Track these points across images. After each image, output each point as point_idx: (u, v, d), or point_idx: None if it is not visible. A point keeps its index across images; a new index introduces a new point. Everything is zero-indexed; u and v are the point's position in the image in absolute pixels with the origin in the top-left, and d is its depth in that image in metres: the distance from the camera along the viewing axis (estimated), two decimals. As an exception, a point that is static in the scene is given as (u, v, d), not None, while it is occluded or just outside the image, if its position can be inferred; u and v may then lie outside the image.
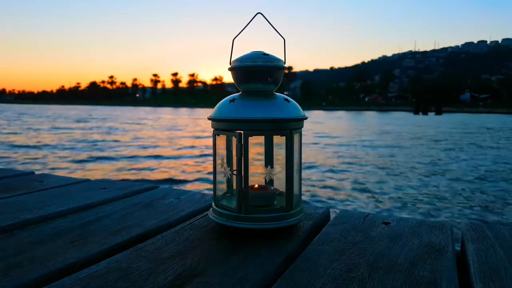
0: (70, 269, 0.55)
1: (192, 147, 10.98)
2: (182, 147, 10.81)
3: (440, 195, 5.53)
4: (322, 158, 8.90)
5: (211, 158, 0.72)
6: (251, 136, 0.66)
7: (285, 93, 0.74)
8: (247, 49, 0.70)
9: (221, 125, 0.68)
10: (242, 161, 0.65)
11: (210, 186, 0.74)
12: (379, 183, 6.28)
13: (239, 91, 0.72)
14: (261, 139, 0.76)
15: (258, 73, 0.68)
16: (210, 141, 0.76)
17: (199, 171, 7.10)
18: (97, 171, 7.01)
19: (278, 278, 0.52)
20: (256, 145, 0.72)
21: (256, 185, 0.74)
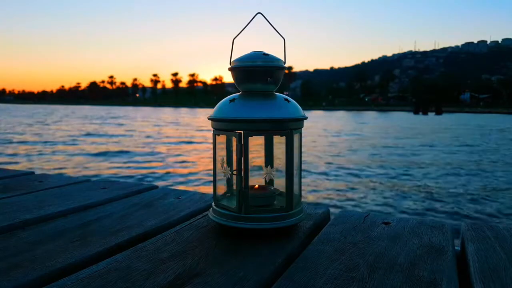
0: (70, 269, 0.55)
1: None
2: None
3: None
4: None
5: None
6: (251, 136, 0.65)
7: (285, 93, 0.74)
8: (247, 49, 0.70)
9: (221, 125, 0.68)
10: (242, 161, 0.65)
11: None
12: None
13: (239, 91, 0.72)
14: (261, 139, 0.76)
15: (258, 73, 0.68)
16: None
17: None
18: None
19: (278, 278, 0.52)
20: (256, 145, 0.72)
21: (256, 185, 0.74)
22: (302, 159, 0.73)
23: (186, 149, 10.43)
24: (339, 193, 5.62)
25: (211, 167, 0.73)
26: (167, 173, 7.00)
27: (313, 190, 5.79)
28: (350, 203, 5.04)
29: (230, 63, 0.70)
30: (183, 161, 8.35)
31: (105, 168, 7.42)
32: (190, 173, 7.01)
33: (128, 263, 0.56)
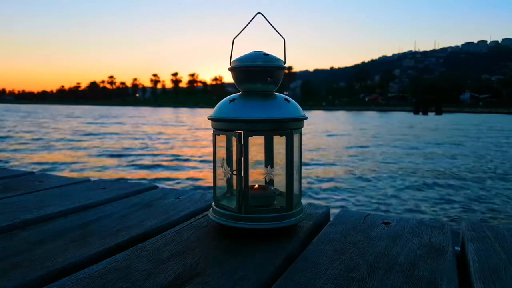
0: (70, 269, 0.55)
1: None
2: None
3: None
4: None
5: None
6: (251, 136, 0.65)
7: (285, 93, 0.74)
8: (247, 49, 0.70)
9: (221, 125, 0.68)
10: (242, 161, 0.65)
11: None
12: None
13: (239, 91, 0.72)
14: (261, 139, 0.76)
15: (258, 73, 0.68)
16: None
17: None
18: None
19: (278, 278, 0.52)
20: (256, 145, 0.72)
21: (256, 185, 0.74)
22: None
23: (186, 149, 10.47)
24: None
25: (211, 166, 0.73)
26: (166, 172, 7.03)
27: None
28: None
29: (230, 63, 0.70)
30: (183, 161, 8.38)
31: (105, 168, 7.42)
32: (189, 171, 7.03)
33: (128, 263, 0.56)
